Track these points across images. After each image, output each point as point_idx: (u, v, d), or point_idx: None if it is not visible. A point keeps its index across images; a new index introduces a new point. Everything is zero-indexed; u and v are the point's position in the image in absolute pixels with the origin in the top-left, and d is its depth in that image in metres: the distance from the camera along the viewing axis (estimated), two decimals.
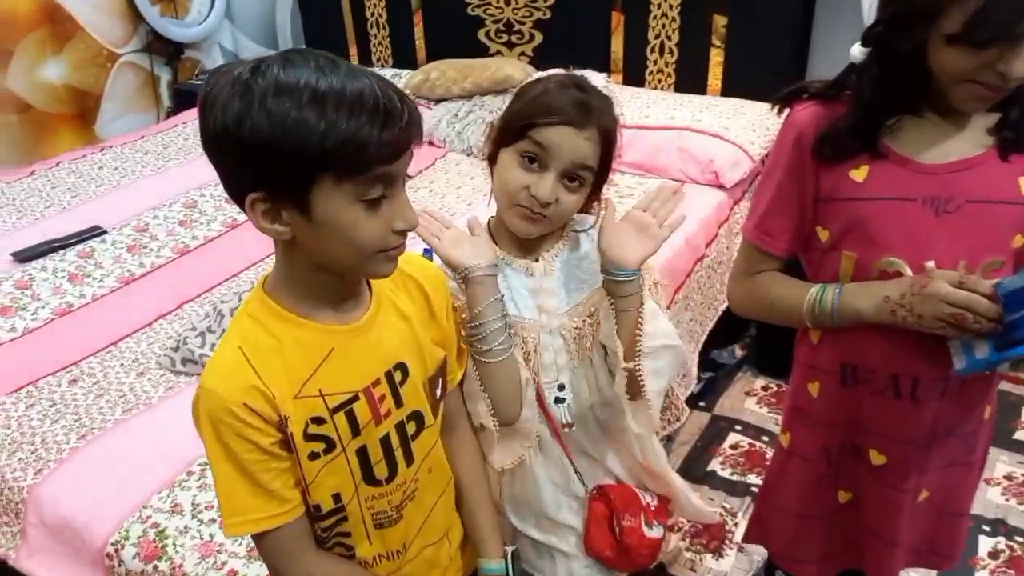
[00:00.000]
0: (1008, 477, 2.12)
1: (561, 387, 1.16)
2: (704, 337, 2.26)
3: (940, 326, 0.97)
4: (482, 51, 2.97)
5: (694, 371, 2.14)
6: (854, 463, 1.19)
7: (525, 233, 1.08)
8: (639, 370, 1.07)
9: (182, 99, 3.37)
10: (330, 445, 0.89)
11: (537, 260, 1.13)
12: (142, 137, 2.93)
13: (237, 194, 0.80)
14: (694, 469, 2.20)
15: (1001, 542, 1.92)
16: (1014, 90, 0.94)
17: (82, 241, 2.14)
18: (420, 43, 3.12)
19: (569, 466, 1.21)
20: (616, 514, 1.23)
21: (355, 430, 0.91)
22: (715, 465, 2.22)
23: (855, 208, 1.03)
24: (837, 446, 1.19)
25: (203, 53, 3.60)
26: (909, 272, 1.01)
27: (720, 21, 2.50)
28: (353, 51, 3.29)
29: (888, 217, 1.02)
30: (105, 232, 2.21)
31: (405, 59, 3.15)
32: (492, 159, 1.11)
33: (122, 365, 1.68)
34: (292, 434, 0.86)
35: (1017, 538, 1.93)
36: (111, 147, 2.84)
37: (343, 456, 0.91)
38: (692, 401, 2.43)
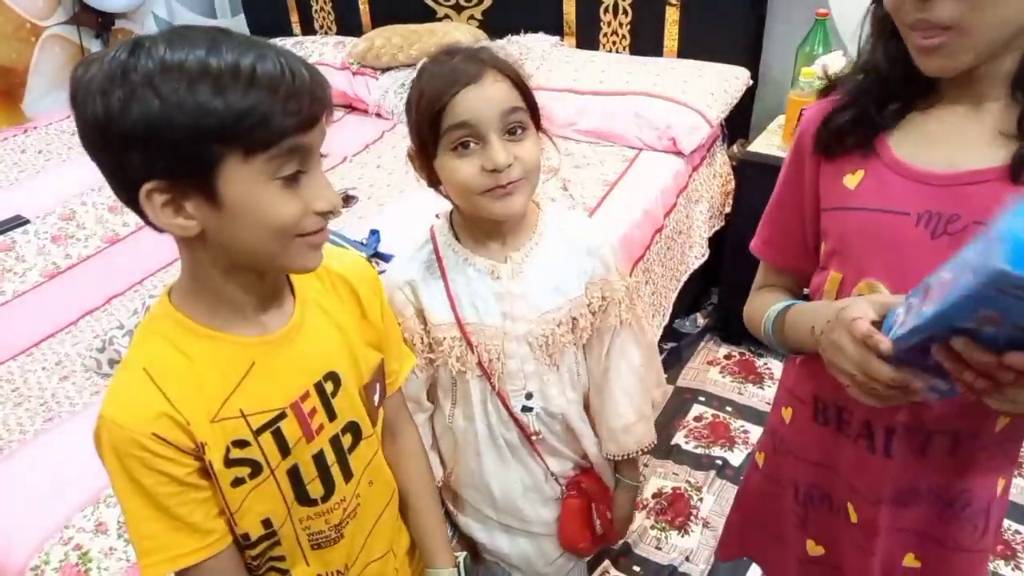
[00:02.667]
0: None
1: (529, 395, 1.09)
2: (670, 310, 2.20)
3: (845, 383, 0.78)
4: (429, 15, 2.84)
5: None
6: (828, 515, 1.04)
7: (512, 211, 0.98)
8: None
9: (72, 80, 3.19)
10: (256, 469, 0.81)
11: (505, 261, 1.04)
12: (68, 116, 2.75)
13: (128, 191, 0.69)
14: (658, 444, 2.15)
15: None
16: None
17: (2, 232, 2.00)
18: (364, 8, 2.98)
19: (540, 469, 1.16)
20: (595, 507, 1.21)
21: (284, 450, 0.83)
22: (679, 439, 2.18)
23: (844, 219, 0.89)
24: (806, 485, 1.04)
25: (136, 23, 3.40)
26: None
27: None
28: (295, 18, 3.14)
29: (873, 232, 0.85)
30: (27, 222, 2.06)
31: (349, 26, 3.00)
32: (434, 182, 1.01)
33: (44, 369, 1.56)
34: (211, 462, 0.77)
35: None
36: (35, 128, 2.67)
37: (271, 479, 0.83)
38: None
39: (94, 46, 3.25)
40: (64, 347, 1.62)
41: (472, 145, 0.94)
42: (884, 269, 0.84)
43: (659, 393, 1.25)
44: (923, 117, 0.84)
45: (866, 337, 0.72)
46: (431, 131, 0.95)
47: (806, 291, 1.01)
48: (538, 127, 0.99)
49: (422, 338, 1.06)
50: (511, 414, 1.09)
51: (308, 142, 0.72)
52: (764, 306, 0.99)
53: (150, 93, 0.64)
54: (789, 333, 0.93)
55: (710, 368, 2.44)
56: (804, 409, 1.01)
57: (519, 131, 0.95)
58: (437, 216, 1.12)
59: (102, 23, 3.25)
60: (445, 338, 1.05)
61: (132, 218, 2.10)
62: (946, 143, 0.82)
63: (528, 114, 0.96)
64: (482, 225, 1.03)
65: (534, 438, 1.13)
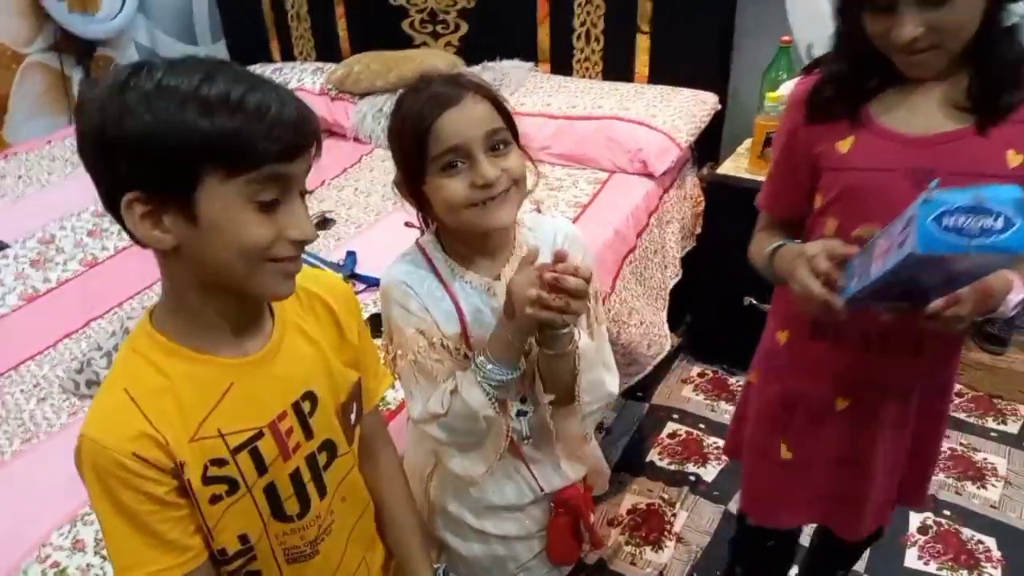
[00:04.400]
0: None
1: (523, 400, 1.12)
2: (664, 329, 2.23)
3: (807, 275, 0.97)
4: (407, 42, 2.89)
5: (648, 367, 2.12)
6: (807, 421, 1.22)
7: (501, 222, 1.00)
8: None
9: (79, 97, 3.22)
10: (233, 486, 0.83)
11: (498, 278, 1.06)
12: (49, 142, 2.78)
13: (112, 199, 0.73)
14: (633, 460, 2.19)
15: (930, 518, 1.96)
16: (982, 57, 0.96)
17: None
18: (343, 35, 3.03)
19: (523, 477, 1.18)
20: (582, 521, 1.24)
21: (261, 468, 0.85)
22: (653, 455, 2.22)
23: (842, 177, 1.06)
24: (794, 393, 1.22)
25: (117, 50, 3.43)
26: None
27: (645, 5, 2.48)
28: (274, 45, 3.18)
29: (869, 187, 1.03)
30: (7, 246, 2.08)
31: (328, 52, 3.05)
32: (422, 206, 1.04)
33: (22, 391, 1.58)
34: (189, 480, 0.79)
35: (945, 512, 1.98)
36: (15, 153, 2.69)
37: (248, 496, 0.85)
38: (630, 391, 2.42)
39: (76, 73, 3.27)
40: (43, 369, 1.64)
41: (460, 165, 0.97)
42: (877, 216, 0.97)
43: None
44: (899, 90, 1.02)
45: (823, 273, 0.93)
46: (418, 155, 0.97)
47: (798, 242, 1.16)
48: (518, 143, 1.03)
49: (425, 331, 1.05)
50: (505, 424, 1.10)
51: (289, 172, 0.75)
52: (763, 245, 1.16)
53: (143, 109, 0.69)
54: (778, 266, 1.12)
55: (684, 386, 2.48)
56: (800, 329, 1.19)
57: (502, 147, 0.99)
58: (406, 224, 1.15)
59: (83, 50, 3.28)
60: (449, 349, 1.06)
61: (111, 242, 2.13)
62: (921, 111, 1.00)
63: (509, 132, 1.00)
64: (471, 242, 1.06)
65: (525, 443, 1.15)
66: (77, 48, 3.24)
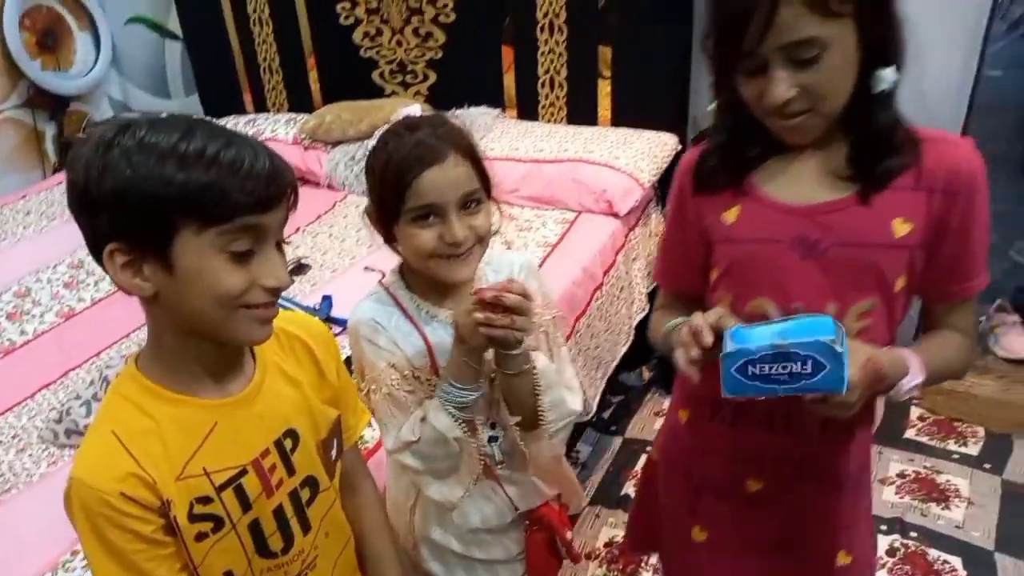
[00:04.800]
0: (900, 475, 2.23)
1: (493, 426, 1.17)
2: (615, 363, 2.30)
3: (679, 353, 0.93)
4: (378, 92, 2.98)
5: (594, 400, 2.17)
6: (716, 501, 1.16)
7: (463, 277, 1.07)
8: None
9: (69, 153, 3.25)
10: (218, 523, 0.87)
11: None
12: (23, 197, 2.80)
13: (97, 250, 0.78)
14: (608, 494, 2.23)
15: (897, 540, 2.02)
16: (857, 123, 0.94)
17: None
18: (315, 86, 3.11)
19: (500, 498, 1.23)
20: (558, 536, 1.28)
21: (245, 505, 0.88)
22: (628, 489, 2.25)
23: (729, 249, 1.03)
24: (699, 475, 1.17)
25: (90, 105, 3.49)
26: (776, 315, 0.98)
27: (606, 52, 2.59)
28: (247, 97, 3.24)
29: (757, 259, 1.00)
30: None
31: (301, 103, 3.12)
32: (390, 240, 1.11)
33: (0, 443, 1.59)
34: (175, 517, 0.83)
35: (912, 534, 2.03)
36: None
37: (233, 533, 0.88)
38: (604, 426, 2.48)
39: (48, 128, 3.32)
40: (21, 420, 1.65)
41: (432, 218, 1.03)
42: (768, 288, 1.00)
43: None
44: (782, 159, 1.00)
45: (695, 329, 0.90)
46: (395, 202, 1.03)
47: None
48: (489, 196, 1.10)
49: (396, 364, 1.10)
50: (477, 447, 1.15)
51: (262, 223, 0.79)
52: (662, 324, 1.11)
53: (124, 165, 0.74)
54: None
55: (657, 419, 2.53)
56: (701, 409, 1.13)
57: (475, 205, 1.06)
58: (367, 269, 1.20)
59: (56, 106, 3.33)
60: (420, 380, 1.12)
61: (87, 293, 2.15)
62: (804, 180, 0.98)
63: (483, 190, 1.07)
64: (435, 282, 1.11)
65: (499, 467, 1.19)
66: (50, 104, 3.30)
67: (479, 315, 0.99)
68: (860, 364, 0.86)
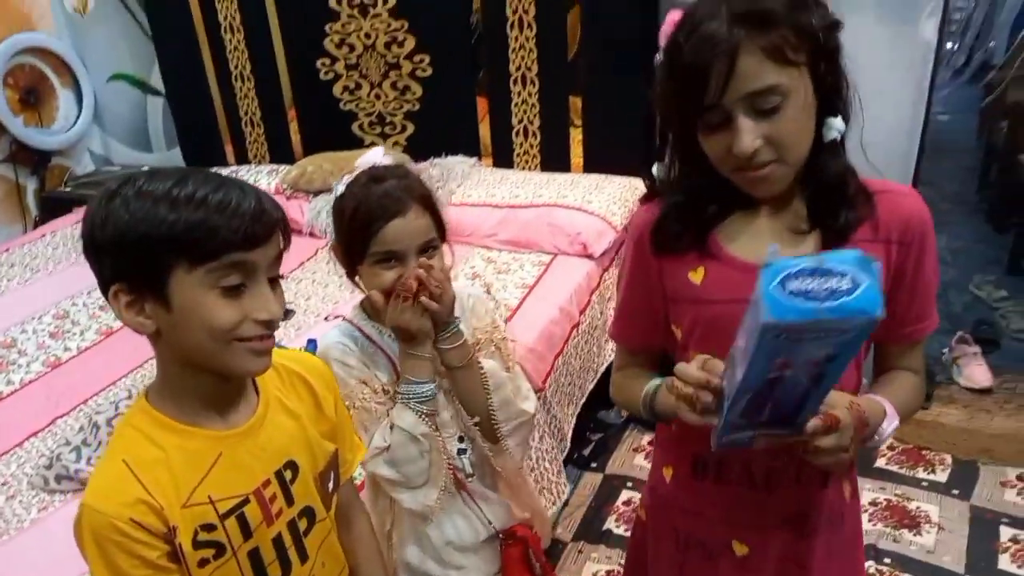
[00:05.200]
0: (873, 503, 2.30)
1: (461, 439, 1.26)
2: (583, 399, 2.35)
3: (684, 408, 0.90)
4: (357, 143, 3.07)
5: (568, 435, 2.22)
6: (705, 561, 1.15)
7: (422, 323, 1.17)
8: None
9: (50, 207, 3.29)
10: (220, 550, 0.90)
11: None
12: (7, 250, 2.84)
13: (105, 290, 0.85)
14: (591, 530, 2.27)
15: (872, 566, 2.07)
16: (811, 173, 0.95)
17: None
18: (296, 138, 3.20)
19: (474, 513, 1.30)
20: (533, 552, 1.34)
21: (246, 533, 0.92)
22: (610, 524, 2.29)
23: (697, 309, 1.02)
24: (685, 533, 1.16)
25: (72, 159, 3.55)
26: None
27: (576, 102, 2.71)
28: (229, 149, 3.32)
29: (726, 318, 0.94)
30: None
31: (282, 155, 3.20)
32: (352, 275, 1.23)
33: None
34: (180, 544, 0.87)
35: (886, 560, 2.09)
36: None
37: (234, 560, 0.92)
38: (584, 463, 2.52)
39: (30, 183, 3.37)
40: (10, 468, 1.67)
41: (393, 261, 1.16)
42: None
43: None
44: (742, 217, 1.00)
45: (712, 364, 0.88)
46: (360, 246, 1.16)
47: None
48: (444, 240, 1.22)
49: (367, 381, 1.21)
50: (442, 444, 1.23)
51: (250, 259, 0.85)
52: (633, 387, 1.09)
53: (123, 211, 0.81)
54: (663, 405, 1.03)
55: (636, 455, 2.58)
56: (683, 466, 1.12)
57: (431, 251, 1.18)
58: (327, 319, 1.29)
59: (38, 160, 3.38)
60: (389, 393, 1.22)
61: (73, 343, 2.18)
62: (765, 238, 0.97)
63: (439, 238, 1.20)
64: None
65: (469, 480, 1.27)
66: (32, 159, 3.35)
67: (407, 311, 1.14)
68: (846, 406, 0.87)
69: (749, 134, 0.88)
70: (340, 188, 1.21)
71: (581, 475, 2.49)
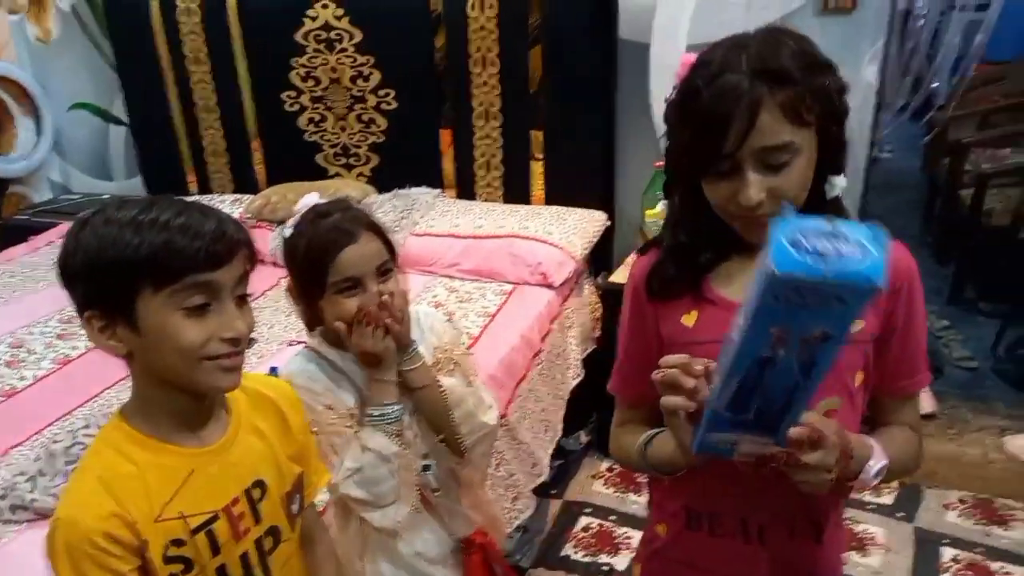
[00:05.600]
0: None
1: (426, 456, 1.30)
2: (560, 425, 2.39)
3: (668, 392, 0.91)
4: (322, 174, 3.10)
5: (545, 461, 2.26)
6: None
7: (387, 344, 1.21)
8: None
9: (6, 235, 3.25)
10: (188, 566, 0.93)
11: None
12: None
13: (81, 316, 0.89)
14: (549, 556, 2.30)
15: None
16: None
17: None
18: (260, 168, 3.21)
19: (440, 527, 1.34)
20: (491, 555, 1.39)
21: (215, 549, 0.95)
22: (569, 550, 2.33)
23: (690, 351, 0.98)
24: None
25: (30, 187, 3.52)
26: None
27: (538, 136, 2.79)
28: (192, 179, 3.32)
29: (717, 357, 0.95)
30: None
31: (245, 184, 3.22)
32: (309, 312, 1.26)
33: None
34: (151, 559, 0.89)
35: None
36: None
37: None
38: (544, 490, 2.55)
39: None
40: None
41: (354, 289, 1.20)
42: None
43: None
44: (735, 262, 1.01)
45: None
46: (318, 278, 1.19)
47: None
48: (396, 265, 1.27)
49: (333, 406, 1.24)
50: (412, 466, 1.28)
51: (214, 279, 0.88)
52: (630, 440, 1.08)
53: (92, 239, 0.86)
54: (657, 455, 1.02)
55: (594, 481, 2.63)
56: (677, 521, 1.12)
57: (387, 273, 1.23)
58: (291, 344, 1.33)
59: None
60: (356, 417, 1.25)
61: (30, 371, 2.16)
62: None
63: (392, 261, 1.24)
64: None
65: (436, 495, 1.32)
66: None
67: (368, 333, 1.18)
68: (833, 429, 0.86)
69: (755, 187, 0.90)
70: (287, 231, 1.26)
71: (541, 501, 2.52)
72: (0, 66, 3.32)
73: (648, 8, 2.47)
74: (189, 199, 3.02)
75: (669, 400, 0.90)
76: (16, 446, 1.85)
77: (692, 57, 0.96)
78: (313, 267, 1.19)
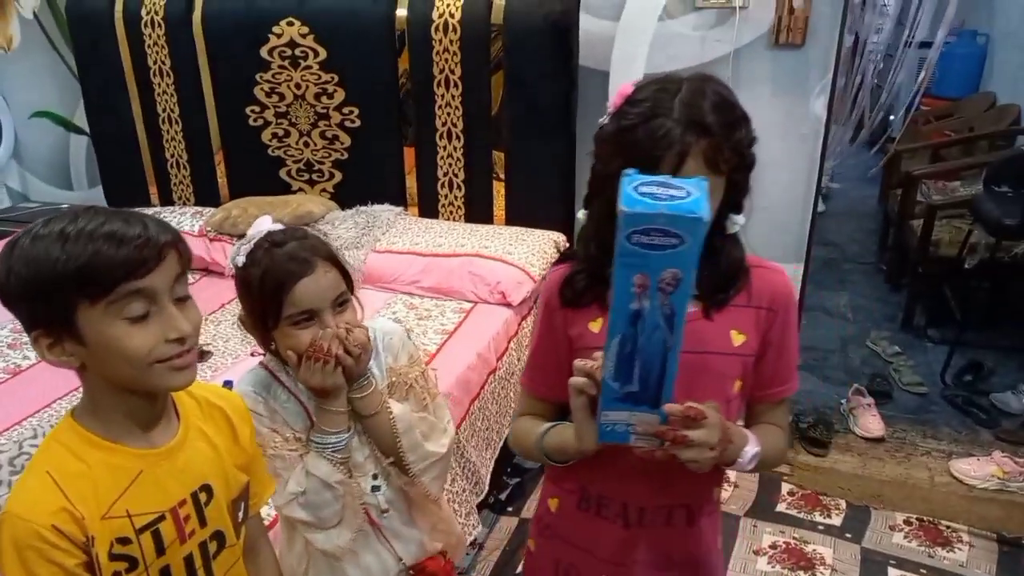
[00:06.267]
0: (772, 546, 2.41)
1: (375, 476, 1.29)
2: (501, 444, 2.41)
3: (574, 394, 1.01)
4: (285, 188, 3.11)
5: (486, 479, 2.27)
6: None
7: (335, 380, 1.19)
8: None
9: None
10: (133, 564, 0.94)
11: None
12: None
13: (29, 337, 0.89)
14: (505, 573, 2.30)
15: None
16: (711, 257, 1.03)
17: None
18: (223, 181, 3.20)
19: (390, 557, 1.33)
20: None
21: (160, 549, 0.96)
22: (522, 567, 2.33)
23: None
24: (565, 564, 1.25)
25: None
26: None
27: (500, 157, 2.83)
28: (153, 190, 3.30)
29: None
30: None
31: (207, 197, 3.21)
32: (266, 341, 1.24)
33: None
34: (97, 555, 0.90)
35: None
36: None
37: (146, 575, 0.95)
38: (500, 507, 2.57)
39: None
40: None
41: (310, 321, 1.19)
42: None
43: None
44: None
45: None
46: (273, 311, 1.17)
47: None
48: (352, 292, 1.26)
49: (278, 429, 1.24)
50: (357, 490, 1.27)
51: (148, 285, 0.88)
52: (530, 430, 1.19)
53: (21, 260, 0.86)
54: (552, 442, 1.14)
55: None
56: (570, 498, 1.22)
57: (343, 304, 1.22)
58: (252, 354, 1.32)
59: None
60: (302, 440, 1.25)
61: None
62: None
63: (348, 290, 1.23)
64: None
65: (383, 516, 1.30)
66: None
67: (318, 364, 1.17)
68: (714, 408, 0.99)
69: None
70: (240, 259, 1.23)
71: (497, 519, 2.53)
72: None
73: (607, 39, 2.54)
74: (149, 211, 3.02)
75: (575, 380, 1.00)
76: None
77: (629, 88, 1.06)
78: (268, 299, 1.17)
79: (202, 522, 1.01)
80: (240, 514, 1.09)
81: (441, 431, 1.34)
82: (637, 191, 0.85)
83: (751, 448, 1.07)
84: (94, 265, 0.85)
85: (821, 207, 5.06)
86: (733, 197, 1.07)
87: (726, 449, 1.02)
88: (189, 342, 0.92)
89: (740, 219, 1.09)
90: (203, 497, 1.01)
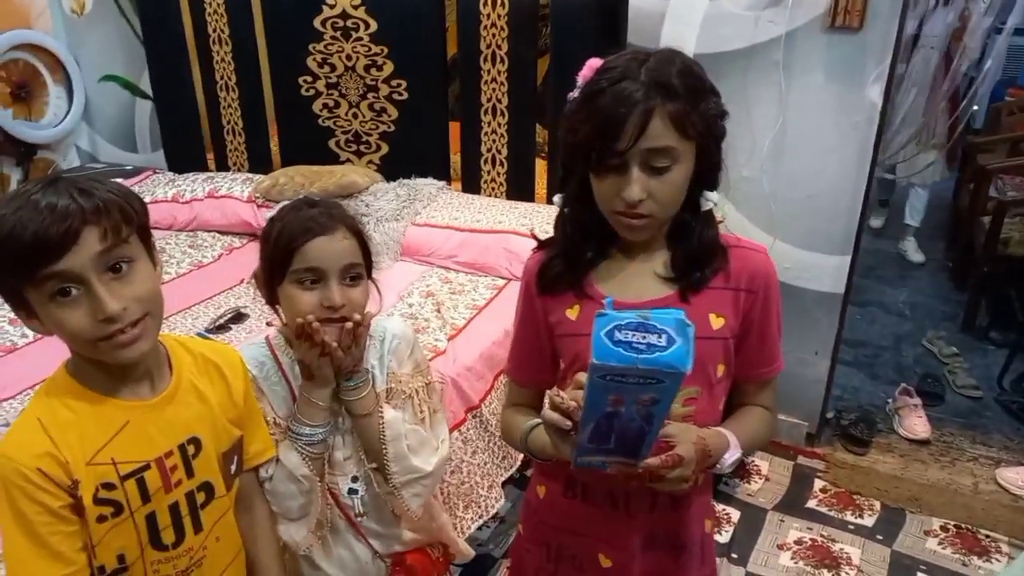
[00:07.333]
0: (797, 542, 2.36)
1: (355, 479, 1.28)
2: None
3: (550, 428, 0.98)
4: (333, 158, 3.16)
5: (516, 454, 2.28)
6: (575, 571, 1.24)
7: (321, 367, 1.18)
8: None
9: None
10: (118, 509, 0.98)
11: None
12: None
13: None
14: None
15: None
16: (678, 228, 1.07)
17: None
18: (275, 149, 3.29)
19: (365, 550, 1.32)
20: None
21: (145, 496, 1.00)
22: None
23: (574, 343, 1.13)
24: (556, 546, 1.25)
25: (58, 154, 3.64)
26: None
27: (544, 134, 2.81)
28: (210, 156, 3.41)
29: None
30: None
31: (260, 164, 3.30)
32: (273, 302, 1.22)
33: None
34: (82, 497, 0.95)
35: None
36: None
37: (131, 520, 1.00)
38: (525, 482, 2.57)
39: (15, 173, 3.45)
40: None
41: (315, 284, 1.16)
42: None
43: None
44: (614, 262, 1.12)
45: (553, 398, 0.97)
46: (281, 263, 1.15)
47: None
48: (369, 277, 1.23)
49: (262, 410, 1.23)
50: (336, 500, 1.27)
51: (65, 268, 0.87)
52: (515, 426, 1.21)
53: None
54: (535, 444, 1.15)
55: None
56: (556, 486, 1.22)
57: (356, 279, 1.18)
58: (268, 324, 1.33)
59: (23, 152, 3.46)
60: (283, 427, 1.24)
61: None
62: (633, 280, 1.10)
63: (364, 267, 1.20)
64: None
65: (360, 519, 1.30)
66: (17, 150, 3.43)
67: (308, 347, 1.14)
68: (692, 441, 0.97)
69: (638, 185, 1.00)
70: (270, 215, 1.22)
71: (521, 495, 2.54)
72: (35, 35, 3.43)
73: (657, 17, 2.48)
74: (203, 176, 3.01)
75: (548, 414, 0.96)
76: None
77: (598, 62, 1.06)
78: (280, 251, 1.15)
79: (189, 473, 1.05)
80: (233, 467, 1.13)
81: (432, 448, 1.30)
82: (611, 338, 0.79)
83: (730, 455, 1.06)
84: (11, 251, 0.86)
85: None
86: (707, 172, 1.05)
87: (704, 466, 1.02)
88: (124, 319, 0.91)
89: (714, 196, 1.07)
90: (191, 449, 1.05)
